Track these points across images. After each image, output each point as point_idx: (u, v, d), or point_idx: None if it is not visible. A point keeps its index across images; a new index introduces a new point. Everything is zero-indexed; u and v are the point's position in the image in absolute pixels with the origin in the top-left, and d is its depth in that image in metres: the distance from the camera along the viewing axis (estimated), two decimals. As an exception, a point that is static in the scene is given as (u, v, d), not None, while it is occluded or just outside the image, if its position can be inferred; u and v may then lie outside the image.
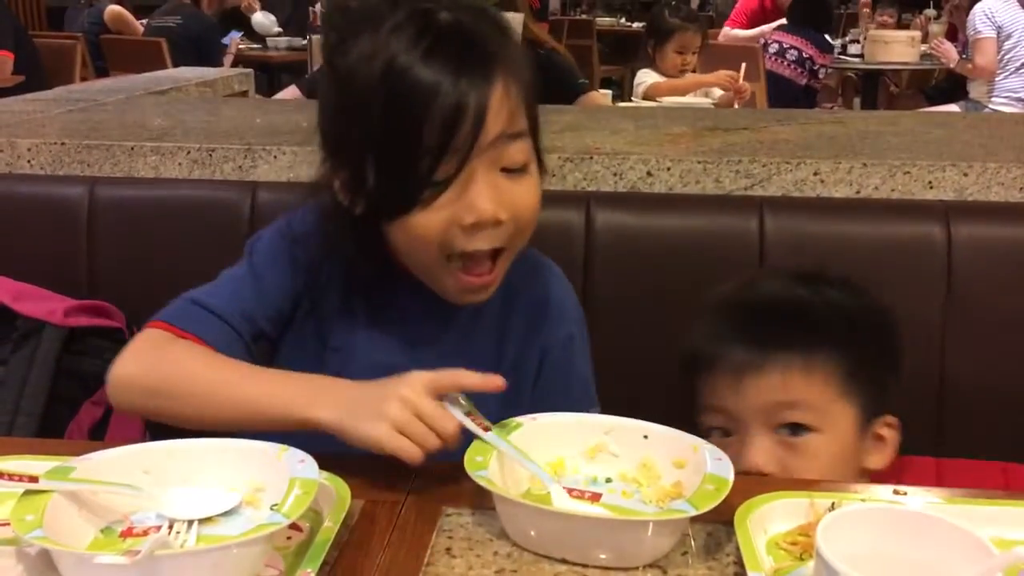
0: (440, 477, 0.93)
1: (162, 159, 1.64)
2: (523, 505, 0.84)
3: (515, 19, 2.52)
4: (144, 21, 6.42)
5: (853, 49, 6.55)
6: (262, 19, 7.04)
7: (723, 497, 0.82)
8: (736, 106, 3.70)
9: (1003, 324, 1.42)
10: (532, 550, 0.83)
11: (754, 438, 1.10)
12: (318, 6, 5.75)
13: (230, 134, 1.74)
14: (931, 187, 1.53)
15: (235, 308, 1.08)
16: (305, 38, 5.77)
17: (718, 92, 3.82)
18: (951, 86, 5.77)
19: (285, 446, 0.87)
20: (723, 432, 1.14)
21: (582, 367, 1.18)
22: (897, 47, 6.14)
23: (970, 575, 0.69)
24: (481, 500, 0.88)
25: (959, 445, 1.36)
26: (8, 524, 0.75)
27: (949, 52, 5.46)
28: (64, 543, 0.75)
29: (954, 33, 6.25)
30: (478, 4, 1.04)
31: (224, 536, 0.81)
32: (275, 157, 1.62)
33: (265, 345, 1.12)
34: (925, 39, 6.44)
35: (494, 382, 0.93)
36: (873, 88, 6.49)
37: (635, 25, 8.96)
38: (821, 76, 5.56)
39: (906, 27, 7.55)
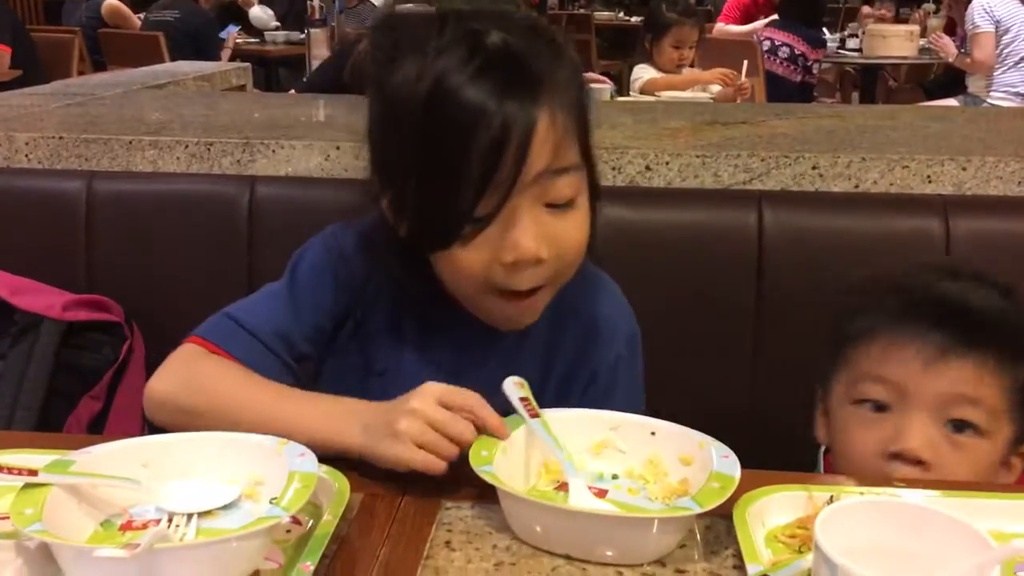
0: (439, 471, 0.93)
1: (160, 153, 1.64)
2: (528, 501, 0.84)
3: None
4: (142, 15, 6.42)
5: (852, 43, 6.55)
6: (260, 13, 7.04)
7: (728, 495, 0.82)
8: (737, 102, 3.70)
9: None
10: (536, 546, 0.83)
11: (918, 422, 1.07)
12: (316, 1, 5.75)
13: (228, 128, 1.74)
14: (930, 181, 1.53)
15: (270, 327, 1.07)
16: (303, 32, 5.77)
17: (716, 87, 3.81)
18: (950, 80, 5.77)
19: (284, 439, 0.87)
20: (877, 406, 1.11)
21: (625, 389, 1.14)
22: (895, 41, 6.14)
23: (968, 568, 0.69)
24: (480, 494, 0.88)
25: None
26: (7, 518, 0.75)
27: (948, 46, 5.45)
28: (63, 536, 0.75)
29: (952, 27, 6.24)
30: (530, 22, 0.99)
31: (223, 529, 0.81)
32: (273, 151, 1.62)
33: (308, 365, 1.11)
34: (924, 33, 6.44)
35: (501, 433, 0.91)
36: (872, 83, 6.49)
37: (633, 19, 8.94)
38: (815, 72, 5.55)
39: (904, 21, 7.56)
